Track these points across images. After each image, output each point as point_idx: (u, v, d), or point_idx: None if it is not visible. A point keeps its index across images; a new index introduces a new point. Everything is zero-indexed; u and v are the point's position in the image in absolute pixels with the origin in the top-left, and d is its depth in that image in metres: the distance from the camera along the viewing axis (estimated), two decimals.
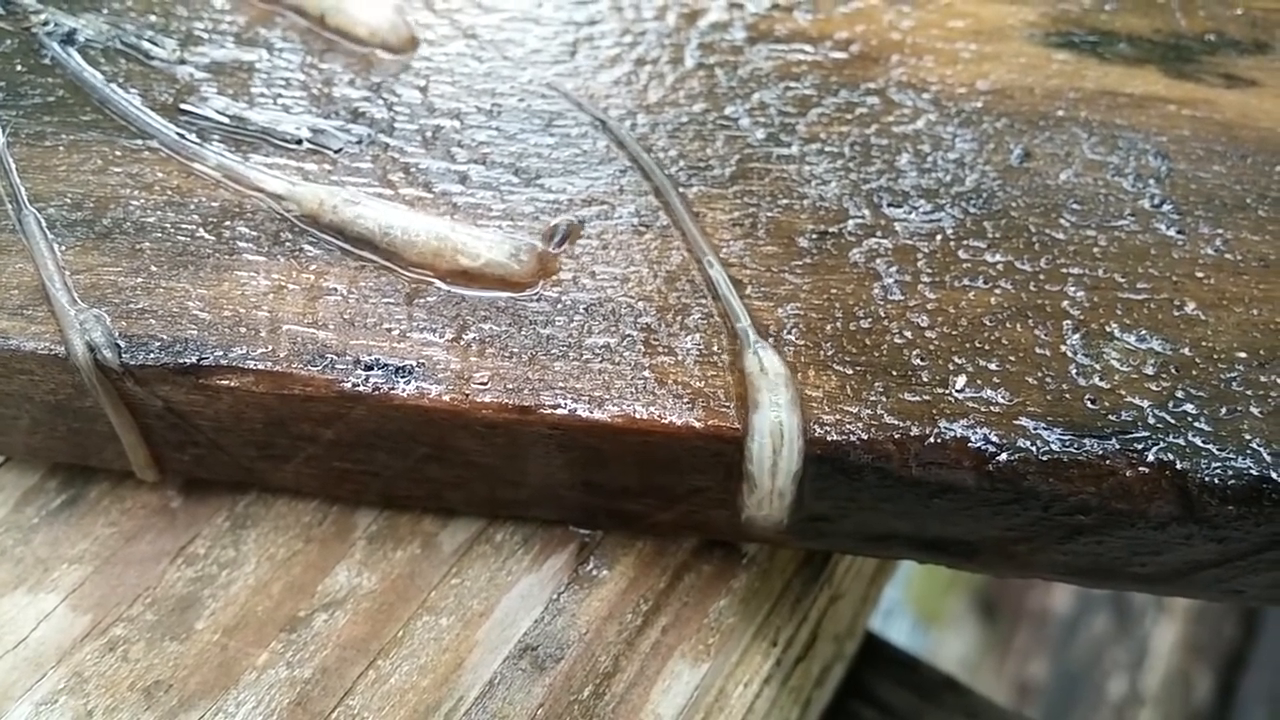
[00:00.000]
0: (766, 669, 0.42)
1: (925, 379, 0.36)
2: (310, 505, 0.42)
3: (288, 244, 0.40)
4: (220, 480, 0.42)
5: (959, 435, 0.35)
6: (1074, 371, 0.36)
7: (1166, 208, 0.41)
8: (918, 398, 0.36)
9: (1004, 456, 0.35)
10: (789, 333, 0.37)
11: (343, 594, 0.40)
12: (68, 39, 0.46)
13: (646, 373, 0.37)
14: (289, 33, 0.47)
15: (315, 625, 0.39)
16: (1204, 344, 0.37)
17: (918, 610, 1.50)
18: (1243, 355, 0.37)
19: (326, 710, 0.37)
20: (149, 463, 0.41)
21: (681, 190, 0.41)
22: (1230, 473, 0.34)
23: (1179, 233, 0.40)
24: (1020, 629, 1.37)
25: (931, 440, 0.35)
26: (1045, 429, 0.35)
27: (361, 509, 0.42)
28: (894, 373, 0.36)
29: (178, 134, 0.43)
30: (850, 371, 0.36)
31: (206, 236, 0.40)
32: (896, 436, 0.35)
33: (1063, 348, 0.37)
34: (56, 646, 0.39)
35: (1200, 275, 0.39)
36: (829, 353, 0.37)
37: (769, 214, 0.41)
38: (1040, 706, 1.27)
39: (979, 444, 0.35)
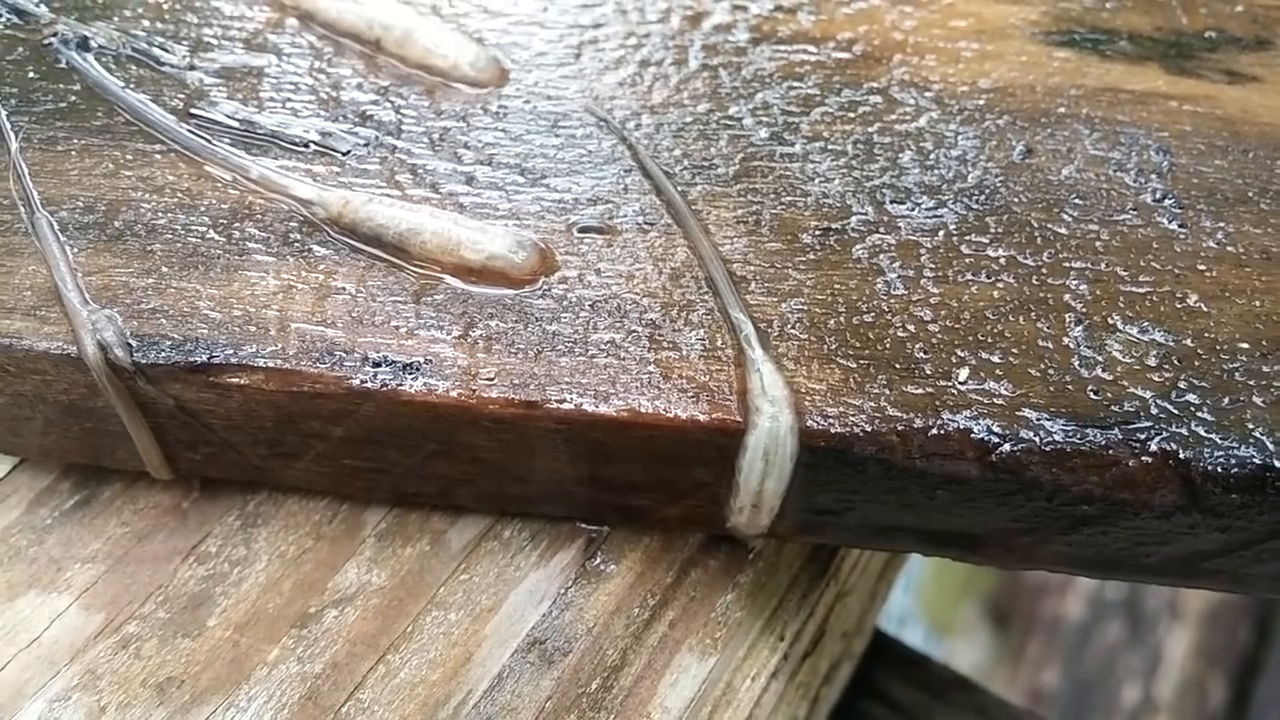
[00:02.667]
0: (774, 663, 0.42)
1: (928, 371, 0.36)
2: (320, 504, 0.43)
3: (296, 244, 0.40)
4: (231, 479, 0.43)
5: (962, 426, 0.35)
6: (1077, 363, 0.36)
7: (1168, 202, 0.41)
8: (921, 390, 0.36)
9: (1007, 447, 0.35)
10: (792, 327, 0.38)
11: (353, 590, 0.40)
12: (82, 46, 0.46)
13: (652, 367, 0.37)
14: (297, 38, 0.47)
15: (326, 621, 0.39)
16: (1206, 335, 0.37)
17: (930, 619, 1.49)
18: (1245, 346, 0.37)
19: (337, 704, 0.37)
20: (162, 462, 0.41)
21: (683, 190, 0.42)
22: (1234, 462, 0.34)
23: (1181, 226, 0.40)
24: (1033, 637, 1.36)
25: (935, 431, 0.35)
26: (1048, 420, 0.35)
27: (371, 507, 0.43)
28: (897, 365, 0.37)
29: (198, 137, 0.43)
30: (854, 365, 0.37)
31: (216, 238, 0.40)
32: (900, 428, 0.35)
33: (1065, 340, 0.37)
34: (70, 645, 0.39)
35: (1202, 268, 0.39)
36: (832, 346, 0.37)
37: (773, 211, 0.41)
38: (1054, 715, 1.26)
39: (982, 435, 0.35)
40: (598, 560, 0.41)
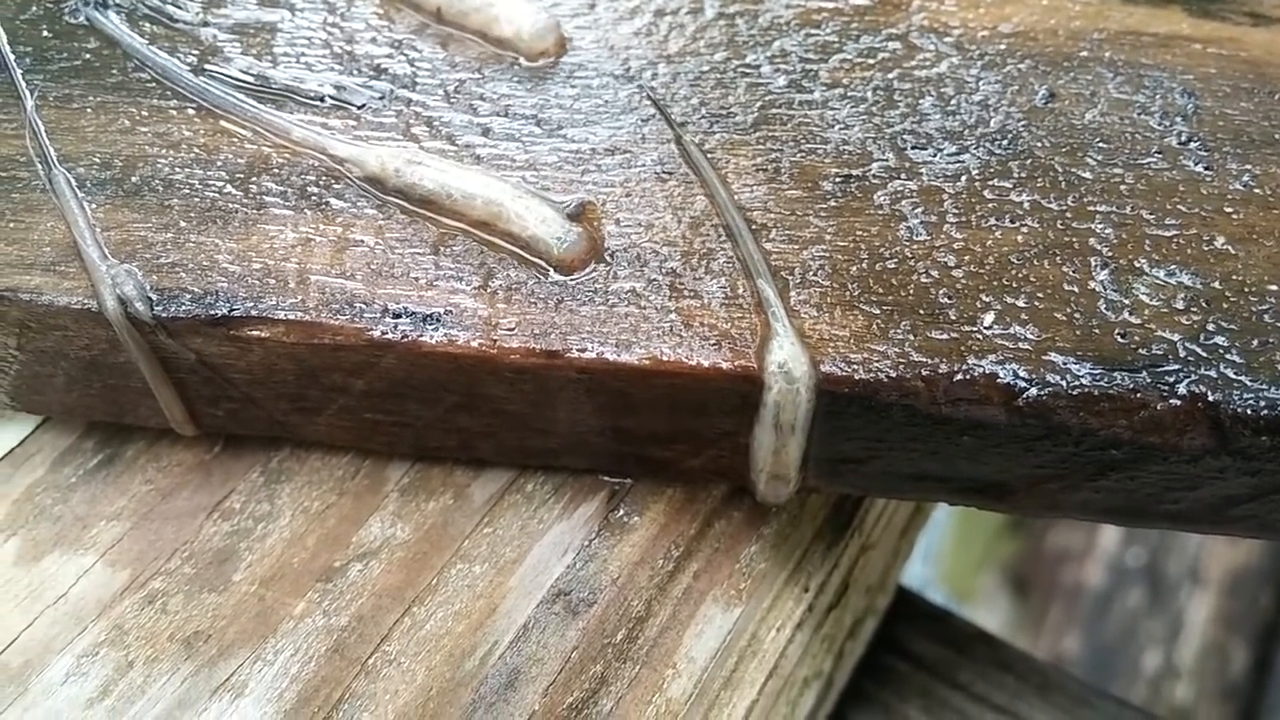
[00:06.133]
0: (799, 614, 0.42)
1: (953, 317, 0.36)
2: (343, 459, 0.43)
3: (314, 198, 0.40)
4: (254, 435, 0.43)
5: (988, 371, 0.35)
6: (1103, 307, 0.36)
7: (1194, 144, 0.40)
8: (945, 335, 0.36)
9: (1033, 391, 0.34)
10: (814, 275, 0.37)
11: (377, 544, 0.40)
12: (101, 4, 0.46)
13: (673, 316, 0.37)
14: None
15: (351, 575, 0.39)
16: (1234, 278, 0.37)
17: (950, 588, 1.49)
18: (1274, 288, 0.36)
19: (363, 656, 0.38)
20: (185, 418, 0.41)
21: (701, 138, 0.41)
22: (1263, 404, 0.34)
23: (1207, 169, 0.40)
24: (1053, 605, 1.36)
25: (960, 376, 0.35)
26: (1075, 363, 0.35)
27: (394, 462, 0.42)
28: (921, 311, 0.36)
29: (230, 96, 0.43)
30: (877, 311, 0.36)
31: (234, 192, 0.40)
32: (925, 373, 0.35)
33: (1091, 284, 0.37)
34: (96, 601, 0.39)
35: (1229, 210, 0.38)
36: (855, 293, 0.37)
37: (792, 159, 0.41)
38: None
39: (1008, 379, 0.35)
40: (621, 512, 0.41)
